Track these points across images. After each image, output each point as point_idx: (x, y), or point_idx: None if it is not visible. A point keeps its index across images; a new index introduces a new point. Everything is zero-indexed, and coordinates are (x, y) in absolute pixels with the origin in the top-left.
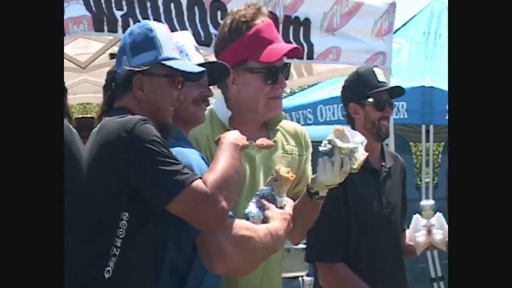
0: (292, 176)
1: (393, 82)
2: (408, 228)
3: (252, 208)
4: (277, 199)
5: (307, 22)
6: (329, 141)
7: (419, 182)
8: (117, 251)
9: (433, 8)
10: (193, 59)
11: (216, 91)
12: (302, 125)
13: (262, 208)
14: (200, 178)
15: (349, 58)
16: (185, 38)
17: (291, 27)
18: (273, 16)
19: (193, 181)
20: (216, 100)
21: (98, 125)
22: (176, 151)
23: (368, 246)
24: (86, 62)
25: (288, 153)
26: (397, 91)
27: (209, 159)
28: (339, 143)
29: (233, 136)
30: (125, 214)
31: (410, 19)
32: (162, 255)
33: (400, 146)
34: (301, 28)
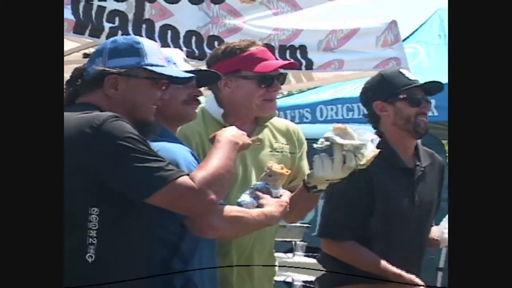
0: (286, 172)
1: None
2: (437, 224)
3: (245, 197)
4: (272, 191)
5: (303, 47)
6: (327, 139)
7: None
8: (94, 240)
9: (440, 14)
10: (181, 67)
11: (206, 92)
12: (297, 123)
13: (256, 198)
14: (187, 175)
15: (354, 66)
16: (174, 51)
17: (288, 51)
18: (268, 46)
19: (178, 177)
20: (207, 99)
21: None
22: (159, 146)
23: (387, 240)
24: None
25: (277, 151)
26: (435, 87)
27: (201, 157)
28: (339, 140)
29: (231, 133)
30: (94, 209)
31: (418, 27)
32: (148, 236)
33: (433, 145)
34: (298, 51)
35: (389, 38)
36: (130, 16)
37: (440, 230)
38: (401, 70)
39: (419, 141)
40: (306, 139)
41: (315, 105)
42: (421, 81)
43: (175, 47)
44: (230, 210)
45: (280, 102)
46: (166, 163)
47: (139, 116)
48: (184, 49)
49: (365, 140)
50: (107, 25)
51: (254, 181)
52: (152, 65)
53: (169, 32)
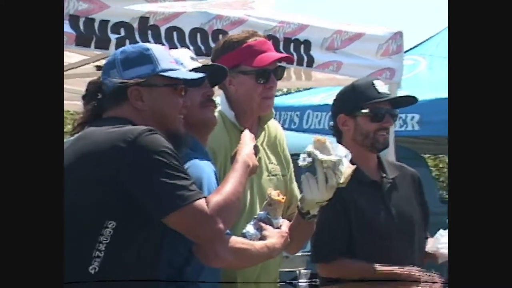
0: (283, 198)
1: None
2: (431, 236)
3: (249, 228)
4: (273, 221)
5: (307, 42)
6: (309, 154)
7: (446, 196)
8: (101, 253)
9: None
10: (189, 67)
11: (218, 91)
12: (285, 129)
13: (259, 229)
14: (205, 197)
15: (350, 71)
16: (180, 51)
17: (292, 44)
18: (272, 38)
19: (196, 199)
20: (221, 101)
21: (78, 134)
22: (190, 163)
23: (374, 255)
24: None
25: (272, 175)
26: (405, 101)
27: (222, 175)
28: (319, 155)
29: (246, 152)
30: (110, 223)
31: (428, 38)
32: (157, 255)
33: (411, 159)
34: (302, 46)
35: (391, 48)
36: (135, 25)
37: (435, 244)
38: (374, 81)
39: (382, 153)
40: (290, 154)
41: (305, 108)
42: (414, 93)
43: (182, 46)
44: (236, 241)
45: (278, 100)
46: (191, 182)
47: (170, 127)
48: (191, 47)
49: (340, 156)
50: (112, 36)
51: (258, 210)
52: (166, 70)
53: (175, 33)
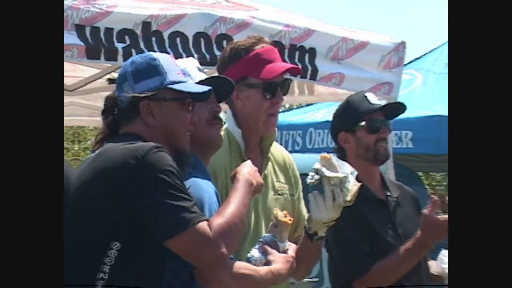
0: (290, 220)
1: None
2: (433, 259)
3: (254, 252)
4: (279, 244)
5: (312, 50)
6: (316, 171)
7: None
8: (105, 275)
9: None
10: (196, 78)
11: (225, 106)
12: (289, 151)
13: (264, 253)
14: (207, 220)
15: (352, 84)
16: (187, 61)
17: (297, 53)
18: (277, 44)
19: (199, 222)
20: (227, 117)
21: (98, 150)
22: (191, 182)
23: None
24: (74, 86)
25: (279, 194)
26: (395, 108)
27: (223, 197)
28: (326, 172)
29: (247, 171)
30: (115, 244)
31: (428, 52)
32: (158, 279)
33: (407, 177)
34: (307, 54)
35: (393, 61)
36: (138, 32)
37: (439, 265)
38: (366, 94)
39: (382, 171)
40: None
41: (307, 126)
42: (407, 112)
43: (186, 55)
44: (239, 266)
45: (280, 118)
46: (192, 204)
47: (177, 145)
48: (195, 55)
49: (346, 173)
50: (119, 46)
51: (263, 231)
52: (173, 82)
53: (178, 39)
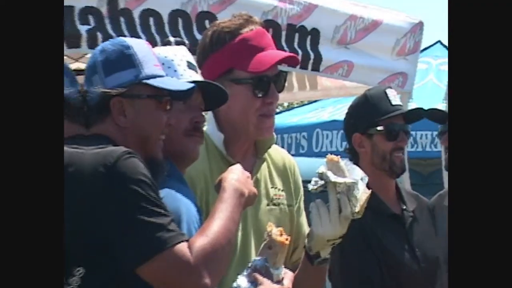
0: (286, 239)
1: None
2: None
3: (241, 281)
4: (272, 272)
5: (315, 32)
6: (321, 176)
7: None
8: None
9: None
10: (183, 76)
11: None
12: (292, 155)
13: (254, 283)
14: (187, 240)
15: (361, 75)
16: (176, 52)
17: (297, 35)
18: (272, 24)
19: (177, 243)
20: (207, 120)
21: (67, 158)
22: (165, 192)
23: None
24: None
25: (274, 204)
26: (415, 115)
27: (203, 207)
28: (332, 177)
29: (236, 177)
30: (78, 270)
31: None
32: None
33: (417, 185)
34: (308, 37)
35: (408, 45)
36: (104, 10)
37: None
38: (386, 91)
39: (399, 181)
40: (302, 181)
41: (313, 127)
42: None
43: (161, 39)
44: None
45: (278, 120)
46: (169, 220)
47: (149, 151)
48: (172, 39)
49: (355, 179)
50: (82, 28)
51: (253, 253)
52: (150, 77)
53: (151, 19)
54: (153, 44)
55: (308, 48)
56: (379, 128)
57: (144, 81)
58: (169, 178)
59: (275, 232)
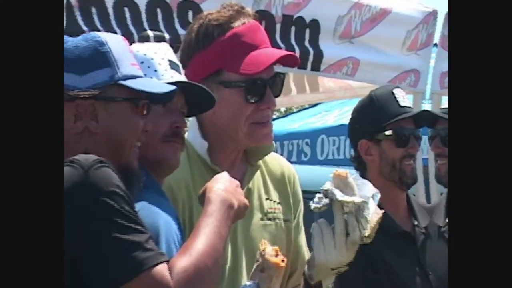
0: (282, 261)
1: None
2: None
3: None
4: None
5: (314, 24)
6: (326, 193)
7: None
8: None
9: None
10: (164, 77)
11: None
12: (293, 163)
13: None
14: (167, 261)
15: (368, 74)
16: (157, 49)
17: (293, 28)
18: (265, 16)
19: (155, 264)
20: (189, 126)
21: None
22: (140, 206)
23: None
24: None
25: (269, 219)
26: (425, 118)
27: (186, 222)
28: (339, 195)
29: (223, 187)
30: None
31: None
32: None
33: None
34: (307, 31)
35: (420, 38)
36: (73, 1)
37: None
38: (394, 91)
39: (411, 194)
40: (303, 191)
41: (317, 133)
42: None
43: (137, 32)
44: None
45: (276, 126)
46: (146, 238)
47: (123, 159)
48: (151, 34)
49: (366, 197)
50: None
51: (244, 276)
52: (127, 77)
53: (126, 10)
54: (130, 39)
55: (307, 43)
56: (387, 133)
57: (120, 82)
58: (145, 190)
59: (270, 251)
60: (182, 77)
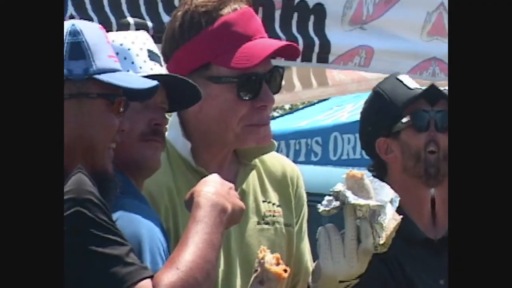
0: (285, 271)
1: None
2: None
3: None
4: None
5: (320, 9)
6: (336, 195)
7: None
8: None
9: None
10: (142, 69)
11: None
12: (298, 163)
13: None
14: (151, 276)
15: (385, 63)
16: (134, 38)
17: (296, 15)
18: (262, 1)
19: (138, 281)
20: (169, 125)
21: None
22: (118, 214)
23: None
24: None
25: (267, 223)
26: (435, 94)
27: (171, 230)
28: (351, 198)
29: (213, 190)
30: None
31: None
32: None
33: None
34: (311, 17)
35: (444, 20)
36: None
37: None
38: (398, 77)
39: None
40: (312, 194)
41: (329, 131)
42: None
43: (117, 20)
44: None
45: (281, 124)
46: (127, 250)
47: (97, 162)
48: (131, 21)
49: (383, 201)
50: None
51: (238, 286)
52: (103, 71)
53: None
54: (107, 27)
55: (312, 32)
56: (404, 120)
57: (95, 76)
58: (122, 196)
59: (270, 260)
60: (163, 70)
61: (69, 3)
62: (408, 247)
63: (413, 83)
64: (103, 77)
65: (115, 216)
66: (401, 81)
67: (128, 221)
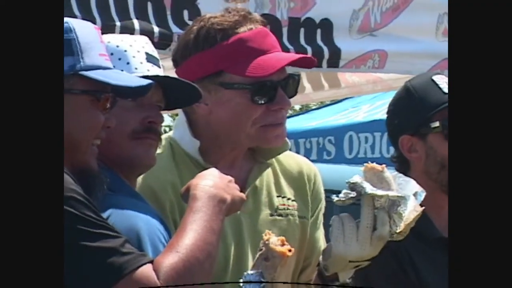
0: (289, 250)
1: None
2: None
3: None
4: None
5: (326, 23)
6: (353, 186)
7: None
8: None
9: None
10: (138, 70)
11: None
12: (313, 161)
13: None
14: (151, 262)
15: (402, 64)
16: (132, 42)
17: (302, 30)
18: (269, 19)
19: (138, 267)
20: (176, 124)
21: None
22: (109, 212)
23: None
24: None
25: (280, 215)
26: None
27: (178, 221)
28: (369, 188)
29: (210, 183)
30: None
31: None
32: None
33: None
34: (318, 31)
35: None
36: None
37: None
38: (433, 77)
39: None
40: (325, 190)
41: (343, 130)
42: None
43: (121, 22)
44: None
45: (290, 124)
46: (121, 241)
47: (79, 159)
48: (137, 26)
49: (406, 194)
50: None
51: (250, 263)
52: (90, 67)
53: (111, 2)
54: (112, 30)
55: (320, 42)
56: (433, 124)
57: (81, 72)
58: (113, 194)
59: (274, 241)
60: (160, 71)
61: (73, 3)
62: (421, 242)
63: (446, 87)
64: (90, 73)
65: (106, 213)
66: (435, 83)
67: (122, 216)
